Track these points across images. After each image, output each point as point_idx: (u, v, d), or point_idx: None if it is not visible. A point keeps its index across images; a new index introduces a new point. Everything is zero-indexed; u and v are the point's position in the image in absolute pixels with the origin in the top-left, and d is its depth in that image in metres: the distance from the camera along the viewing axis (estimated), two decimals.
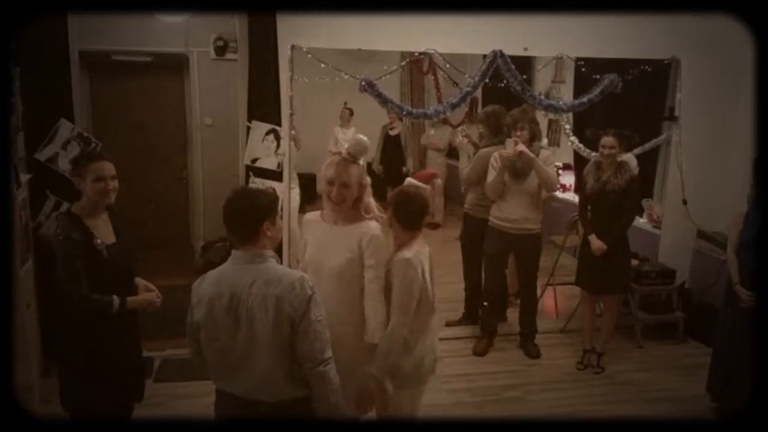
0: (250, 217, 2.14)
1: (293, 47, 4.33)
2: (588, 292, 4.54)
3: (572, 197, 6.35)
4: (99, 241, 2.61)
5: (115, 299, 2.60)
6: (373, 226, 2.58)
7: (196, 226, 6.59)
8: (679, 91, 5.07)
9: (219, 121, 6.17)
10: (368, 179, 2.64)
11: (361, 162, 2.58)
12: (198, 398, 3.93)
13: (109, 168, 2.65)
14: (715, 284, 4.76)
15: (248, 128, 4.30)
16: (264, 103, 4.31)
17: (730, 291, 3.80)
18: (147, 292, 2.82)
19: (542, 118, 6.66)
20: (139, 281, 2.84)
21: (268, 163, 4.34)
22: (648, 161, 5.60)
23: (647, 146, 5.31)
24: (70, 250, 2.53)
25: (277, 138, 4.38)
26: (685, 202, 5.15)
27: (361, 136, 2.58)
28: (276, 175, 4.39)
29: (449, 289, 5.67)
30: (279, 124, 4.35)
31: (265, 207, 2.17)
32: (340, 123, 8.52)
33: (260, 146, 4.32)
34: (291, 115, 4.41)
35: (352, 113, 8.46)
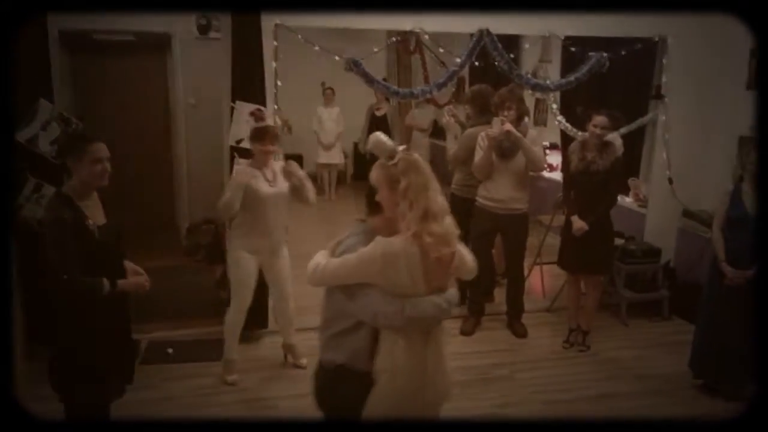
0: None
1: (277, 26, 4.26)
2: (569, 272, 4.57)
3: (559, 177, 6.35)
4: (91, 222, 2.60)
5: (105, 282, 2.59)
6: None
7: (180, 207, 6.53)
8: (666, 70, 5.07)
9: (203, 101, 6.08)
10: (412, 181, 2.12)
11: (392, 162, 2.17)
12: (185, 380, 3.94)
13: (104, 149, 2.64)
14: (699, 262, 4.81)
15: (232, 108, 4.24)
16: (248, 82, 4.23)
17: (714, 269, 3.84)
18: (136, 276, 2.79)
19: (529, 98, 6.65)
20: (128, 264, 2.82)
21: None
22: (634, 140, 5.61)
23: (633, 125, 5.32)
24: (60, 231, 2.51)
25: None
26: (671, 181, 5.17)
27: (376, 134, 2.23)
28: None
29: None
30: (263, 104, 4.29)
31: None
32: (324, 103, 8.46)
33: (245, 127, 4.25)
34: (275, 95, 4.36)
35: (334, 93, 8.42)
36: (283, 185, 3.84)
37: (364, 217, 2.30)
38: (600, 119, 4.22)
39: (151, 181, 6.42)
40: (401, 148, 2.22)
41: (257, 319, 4.45)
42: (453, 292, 2.27)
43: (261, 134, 3.78)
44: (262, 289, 4.38)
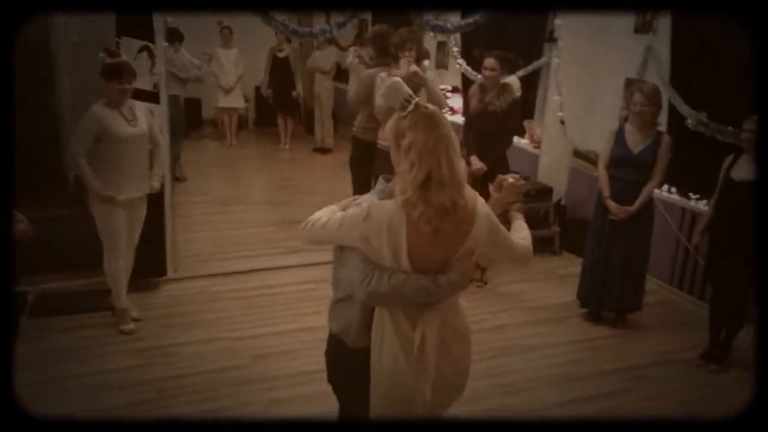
0: None
1: None
2: None
3: (460, 120, 6.47)
4: None
5: None
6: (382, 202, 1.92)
7: (65, 152, 6.13)
8: (559, 14, 5.20)
9: (87, 39, 5.65)
10: (416, 139, 1.82)
11: (403, 114, 1.87)
12: (77, 331, 3.81)
13: None
14: (587, 200, 5.08)
15: (118, 45, 3.98)
16: (134, 17, 3.98)
17: (599, 205, 4.07)
18: (17, 223, 2.62)
19: (431, 41, 6.66)
20: None
21: (143, 83, 4.04)
22: (530, 83, 5.78)
23: (529, 68, 5.47)
24: None
25: (152, 56, 4.09)
26: (562, 122, 5.39)
27: (394, 79, 1.93)
28: (153, 97, 4.12)
29: None
30: (152, 41, 4.06)
31: None
32: (221, 43, 8.11)
33: (132, 65, 4.01)
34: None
35: (232, 32, 8.07)
36: (143, 125, 3.66)
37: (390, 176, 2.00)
38: (488, 61, 4.31)
39: (34, 127, 5.95)
40: (417, 98, 1.88)
41: (154, 267, 4.33)
42: (450, 276, 1.92)
43: (117, 71, 3.51)
44: (159, 237, 4.26)
